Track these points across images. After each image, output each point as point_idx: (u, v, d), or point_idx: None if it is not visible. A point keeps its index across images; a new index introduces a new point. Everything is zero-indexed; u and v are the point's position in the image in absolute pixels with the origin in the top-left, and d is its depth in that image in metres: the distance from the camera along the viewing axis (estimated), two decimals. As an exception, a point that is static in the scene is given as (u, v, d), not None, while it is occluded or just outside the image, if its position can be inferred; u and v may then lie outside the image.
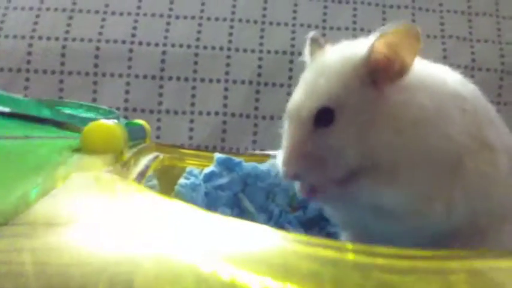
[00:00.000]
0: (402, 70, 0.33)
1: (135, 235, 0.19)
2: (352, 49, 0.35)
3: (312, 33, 0.39)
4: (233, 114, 0.86)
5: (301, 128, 0.34)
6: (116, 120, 0.31)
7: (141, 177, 0.31)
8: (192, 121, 0.86)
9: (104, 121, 0.28)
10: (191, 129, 0.86)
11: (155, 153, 0.44)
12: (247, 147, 0.86)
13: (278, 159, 0.36)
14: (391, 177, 0.33)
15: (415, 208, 0.34)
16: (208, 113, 0.86)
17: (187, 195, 0.44)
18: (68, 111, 0.44)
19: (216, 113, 0.86)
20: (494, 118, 0.38)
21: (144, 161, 0.36)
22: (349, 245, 0.18)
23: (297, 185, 0.38)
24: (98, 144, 0.27)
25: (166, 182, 0.45)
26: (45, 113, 0.29)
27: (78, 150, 0.27)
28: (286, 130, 0.35)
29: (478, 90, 0.38)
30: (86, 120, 0.30)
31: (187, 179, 0.46)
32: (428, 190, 0.33)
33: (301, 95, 0.35)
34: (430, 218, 0.34)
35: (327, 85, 0.33)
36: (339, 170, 0.33)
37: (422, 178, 0.33)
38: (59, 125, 0.29)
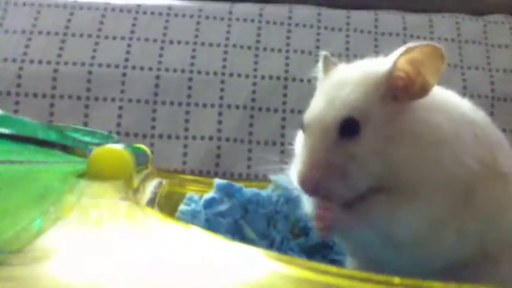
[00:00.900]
0: (423, 90, 0.33)
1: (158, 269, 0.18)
2: (373, 65, 0.35)
3: (324, 52, 0.39)
4: (227, 139, 0.85)
5: (324, 137, 0.33)
6: (122, 145, 0.29)
7: (151, 204, 0.29)
8: (185, 146, 0.85)
9: (112, 146, 0.27)
10: (185, 154, 0.84)
11: (158, 179, 0.42)
12: (241, 172, 0.85)
13: (293, 171, 0.34)
14: (406, 198, 0.32)
15: (426, 233, 0.33)
16: (202, 138, 0.85)
17: (188, 222, 0.43)
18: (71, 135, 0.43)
19: (210, 138, 0.85)
20: (504, 144, 0.38)
21: (150, 187, 0.35)
22: (397, 279, 0.17)
23: (306, 205, 0.37)
24: (108, 170, 0.26)
25: (166, 208, 0.43)
26: (53, 136, 0.28)
27: (83, 175, 0.26)
28: (306, 140, 0.34)
29: (487, 117, 0.38)
30: (89, 145, 0.29)
31: (188, 205, 0.45)
32: (440, 215, 0.33)
33: (323, 106, 0.34)
34: (441, 244, 0.34)
35: (351, 96, 0.33)
36: (362, 182, 0.32)
37: (435, 202, 0.32)
38: (65, 149, 0.27)
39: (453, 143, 0.33)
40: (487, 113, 0.89)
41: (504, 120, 0.91)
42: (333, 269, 0.17)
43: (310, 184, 0.33)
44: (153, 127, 0.85)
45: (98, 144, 0.28)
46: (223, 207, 0.47)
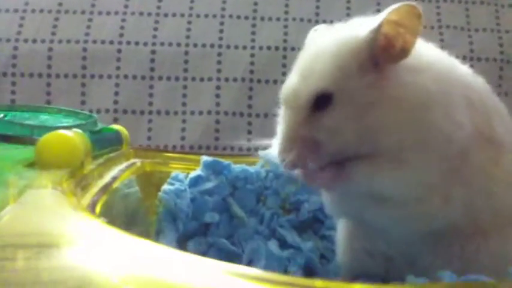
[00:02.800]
0: (404, 51, 0.32)
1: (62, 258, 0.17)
2: (347, 32, 0.33)
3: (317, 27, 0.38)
4: (226, 113, 0.84)
5: (298, 113, 0.33)
6: (77, 130, 0.28)
7: (104, 189, 0.28)
8: (184, 121, 0.84)
9: (60, 132, 0.26)
10: (183, 129, 0.83)
11: (132, 161, 0.41)
12: (242, 146, 0.84)
13: (274, 148, 0.35)
14: (391, 162, 0.31)
15: (412, 196, 0.32)
16: (201, 112, 0.84)
17: (172, 202, 0.42)
18: (45, 117, 0.42)
19: (209, 112, 0.84)
20: (503, 113, 0.36)
21: (112, 172, 0.34)
22: (319, 282, 0.16)
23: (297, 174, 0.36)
24: (53, 158, 0.25)
25: (149, 188, 0.43)
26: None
27: (33, 164, 0.25)
28: (283, 116, 0.34)
29: (487, 85, 0.37)
30: (48, 130, 0.28)
31: (172, 184, 0.44)
32: (427, 178, 0.32)
33: (297, 79, 0.33)
34: (427, 208, 0.33)
35: (325, 68, 0.32)
36: (336, 152, 0.32)
37: (422, 164, 0.31)
38: (7, 139, 0.26)
39: (444, 102, 0.31)
40: (496, 77, 0.86)
41: (514, 84, 0.88)
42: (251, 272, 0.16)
43: (287, 160, 0.33)
44: (151, 103, 0.84)
45: (57, 128, 0.27)
46: (209, 185, 0.46)
